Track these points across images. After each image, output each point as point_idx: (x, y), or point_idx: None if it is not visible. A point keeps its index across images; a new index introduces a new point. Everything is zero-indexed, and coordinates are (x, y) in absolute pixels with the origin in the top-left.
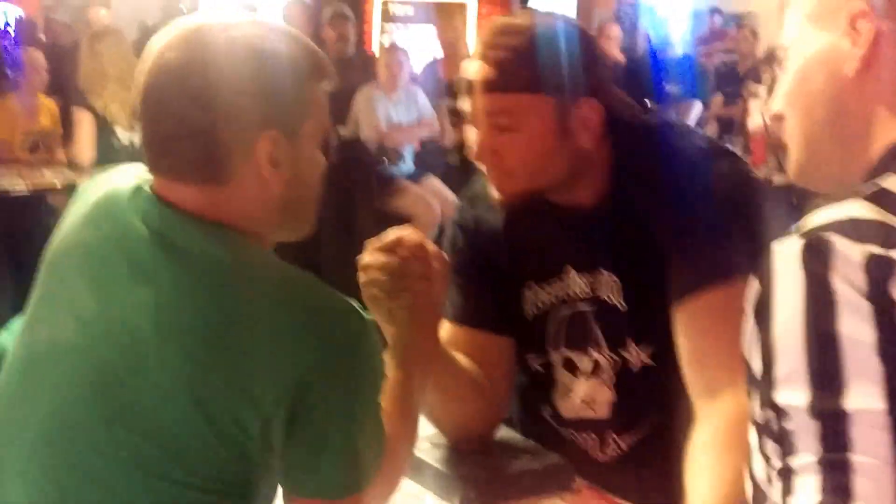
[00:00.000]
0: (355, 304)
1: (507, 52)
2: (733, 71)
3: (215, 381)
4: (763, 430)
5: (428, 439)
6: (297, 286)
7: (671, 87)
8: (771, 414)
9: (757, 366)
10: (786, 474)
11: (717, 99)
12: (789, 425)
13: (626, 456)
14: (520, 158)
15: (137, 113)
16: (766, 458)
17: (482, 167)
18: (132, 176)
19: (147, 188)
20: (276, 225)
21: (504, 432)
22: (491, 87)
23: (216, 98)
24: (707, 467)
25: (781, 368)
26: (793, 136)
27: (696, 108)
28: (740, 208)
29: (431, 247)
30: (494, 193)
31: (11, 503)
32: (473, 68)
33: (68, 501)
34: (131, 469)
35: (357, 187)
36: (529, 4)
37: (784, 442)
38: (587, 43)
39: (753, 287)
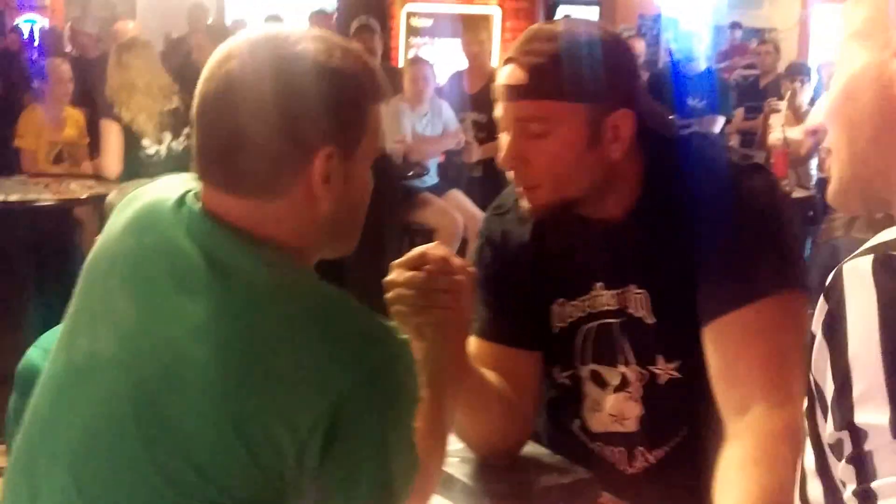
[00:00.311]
0: (393, 323)
1: (540, 58)
2: (754, 85)
3: (253, 403)
4: (835, 451)
5: (457, 454)
6: (335, 309)
7: (693, 102)
8: (845, 434)
9: (829, 387)
10: (864, 497)
11: (739, 113)
12: (869, 446)
13: (653, 469)
14: (549, 166)
15: (193, 120)
16: (830, 480)
17: (510, 174)
18: (177, 186)
19: (193, 199)
20: (322, 242)
21: (531, 447)
22: (523, 92)
23: (276, 111)
24: (736, 484)
25: (859, 387)
26: (837, 154)
27: (718, 123)
28: (771, 225)
29: (457, 260)
30: (522, 203)
31: None
32: (506, 73)
33: None
34: (165, 488)
35: (381, 200)
36: (555, 17)
37: (862, 464)
38: (622, 52)
39: (821, 308)
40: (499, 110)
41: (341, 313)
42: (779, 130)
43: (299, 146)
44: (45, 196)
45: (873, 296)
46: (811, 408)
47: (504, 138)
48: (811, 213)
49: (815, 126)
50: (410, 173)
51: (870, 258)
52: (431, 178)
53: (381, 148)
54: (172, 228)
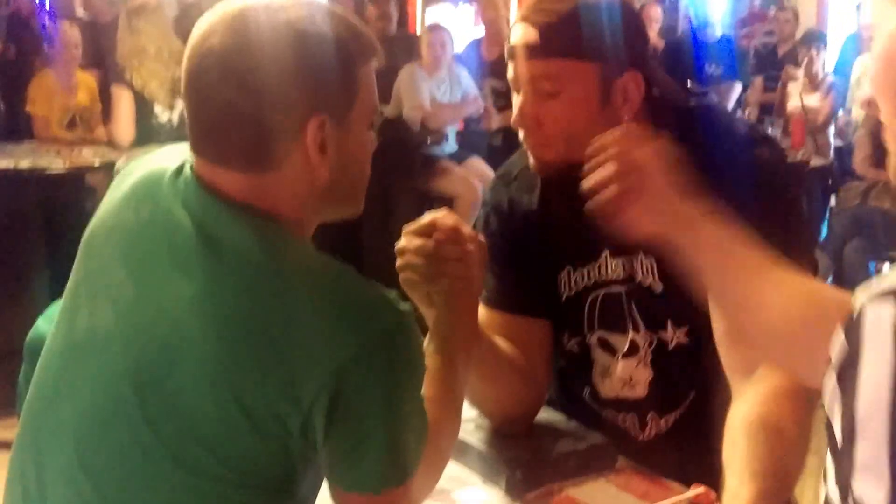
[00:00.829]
0: (393, 294)
1: (551, 17)
2: (773, 53)
3: (254, 376)
4: None
5: (472, 421)
6: (333, 279)
7: (711, 69)
8: (842, 498)
9: (838, 433)
10: None
11: (758, 81)
12: None
13: (665, 434)
14: (560, 125)
15: (182, 96)
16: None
17: (521, 133)
18: (174, 157)
19: (189, 172)
20: (322, 209)
21: (547, 414)
22: (534, 51)
23: (262, 83)
24: (744, 446)
25: (862, 450)
26: (889, 127)
27: (736, 90)
28: (777, 194)
29: (467, 229)
30: (531, 160)
31: (50, 495)
32: (518, 32)
33: (103, 494)
34: (170, 465)
35: (399, 167)
36: None
37: None
38: (632, 16)
39: (839, 342)
40: (511, 70)
41: (339, 284)
42: (796, 98)
43: (289, 117)
44: (56, 163)
45: (890, 356)
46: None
47: (516, 98)
48: (829, 181)
49: (866, 98)
50: (428, 141)
51: (893, 311)
52: (451, 146)
53: (376, 107)
54: (169, 201)
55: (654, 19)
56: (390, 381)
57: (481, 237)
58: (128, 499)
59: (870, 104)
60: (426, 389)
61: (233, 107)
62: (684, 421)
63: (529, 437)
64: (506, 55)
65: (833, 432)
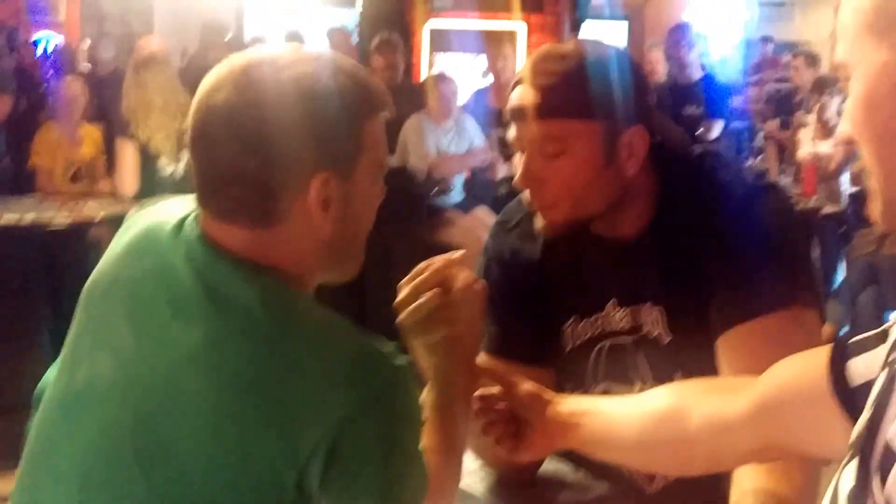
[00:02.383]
0: (391, 347)
1: (554, 78)
2: (786, 99)
3: (250, 430)
4: None
5: (477, 472)
6: (331, 334)
7: (691, 110)
8: None
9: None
10: None
11: (772, 125)
12: None
13: (673, 487)
14: (565, 185)
15: (188, 151)
16: None
17: (526, 194)
18: (178, 210)
19: (193, 224)
20: (324, 266)
21: (553, 464)
22: (538, 112)
23: (266, 142)
24: (750, 492)
25: None
26: (872, 170)
27: (717, 128)
28: (783, 242)
29: (467, 273)
30: (538, 222)
31: None
32: (520, 94)
33: None
34: None
35: (405, 217)
36: (581, 32)
37: None
38: (635, 70)
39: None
40: (512, 131)
41: (337, 338)
42: (808, 144)
43: (293, 175)
44: (59, 217)
45: None
46: (865, 464)
47: (519, 159)
48: (843, 228)
49: (843, 137)
50: (435, 190)
51: None
52: (456, 196)
53: (385, 161)
54: (171, 253)
55: (657, 61)
56: (387, 436)
57: (483, 283)
58: None
59: (847, 143)
60: (426, 440)
61: (237, 164)
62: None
63: (534, 487)
64: (507, 116)
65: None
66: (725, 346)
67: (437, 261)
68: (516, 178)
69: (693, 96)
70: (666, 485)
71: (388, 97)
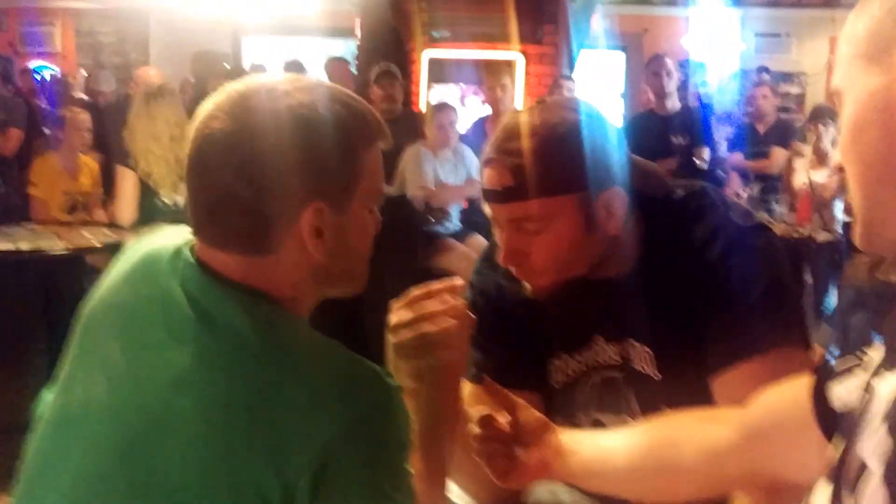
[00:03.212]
0: (382, 369)
1: (520, 158)
2: (786, 128)
3: (239, 452)
4: None
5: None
6: (322, 356)
7: (677, 140)
8: None
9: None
10: None
11: (777, 151)
12: None
13: None
14: (548, 257)
15: (184, 178)
16: None
17: (511, 269)
18: (175, 237)
19: (188, 251)
20: (320, 289)
21: (550, 484)
22: (511, 195)
23: (260, 171)
24: None
25: None
26: (854, 194)
27: (706, 154)
28: (773, 281)
29: (462, 302)
30: (525, 289)
31: None
32: (490, 176)
33: None
34: None
35: (402, 245)
36: (578, 62)
37: None
38: (602, 130)
39: (881, 440)
40: (488, 210)
41: (327, 360)
42: (803, 174)
43: (286, 205)
44: (57, 245)
45: None
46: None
47: (499, 234)
48: (836, 256)
49: (836, 164)
50: (432, 219)
51: None
52: (454, 224)
53: (380, 191)
54: (167, 279)
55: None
56: (377, 458)
57: (469, 310)
58: None
59: (840, 171)
60: (412, 465)
61: (231, 192)
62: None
63: None
64: (481, 196)
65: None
66: (720, 387)
67: (434, 285)
68: (499, 256)
69: (676, 126)
70: None
71: (384, 127)
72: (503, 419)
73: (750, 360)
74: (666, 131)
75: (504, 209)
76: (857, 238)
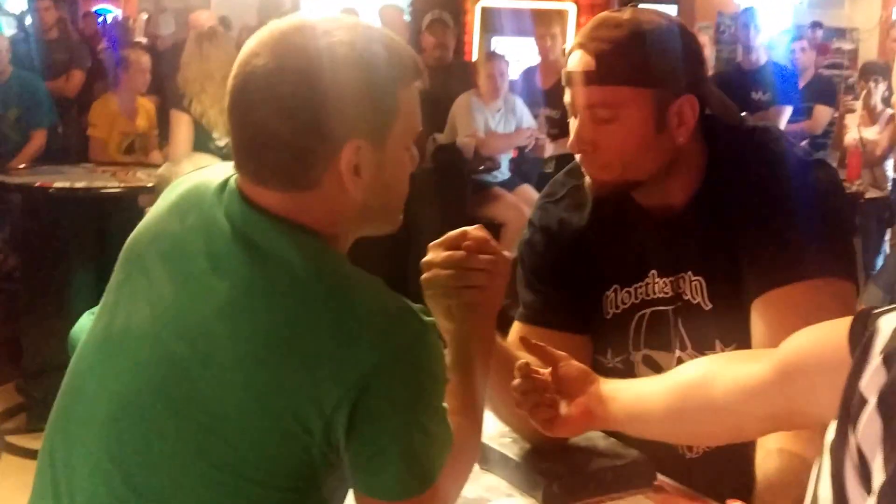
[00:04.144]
0: (418, 307)
1: (607, 45)
2: (825, 83)
3: (279, 379)
4: None
5: (509, 435)
6: (361, 290)
7: (758, 96)
8: None
9: (878, 467)
10: None
11: (822, 110)
12: None
13: (712, 453)
14: (616, 149)
15: (227, 114)
16: None
17: (578, 157)
18: (222, 172)
19: (233, 185)
20: (358, 226)
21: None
22: (591, 78)
23: (299, 109)
24: (774, 446)
25: None
26: None
27: (786, 114)
28: (825, 214)
29: (493, 243)
30: (588, 181)
31: (77, 481)
32: (575, 59)
33: (131, 484)
34: (194, 458)
35: (451, 194)
36: None
37: None
38: (688, 40)
39: (877, 371)
40: (567, 95)
41: (367, 295)
42: (854, 130)
43: (324, 141)
44: (111, 184)
45: None
46: (838, 466)
47: (573, 123)
48: (887, 213)
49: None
50: (481, 168)
51: None
52: (503, 174)
53: (417, 128)
54: (213, 210)
55: (703, 45)
56: (412, 391)
57: (507, 253)
58: (154, 489)
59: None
60: (447, 402)
61: (271, 129)
62: None
63: (567, 452)
64: (563, 80)
65: (864, 460)
66: (759, 310)
67: (470, 229)
68: (570, 141)
69: (759, 81)
70: (705, 450)
71: (421, 67)
72: (543, 372)
73: (793, 285)
74: (749, 86)
75: (583, 92)
76: None
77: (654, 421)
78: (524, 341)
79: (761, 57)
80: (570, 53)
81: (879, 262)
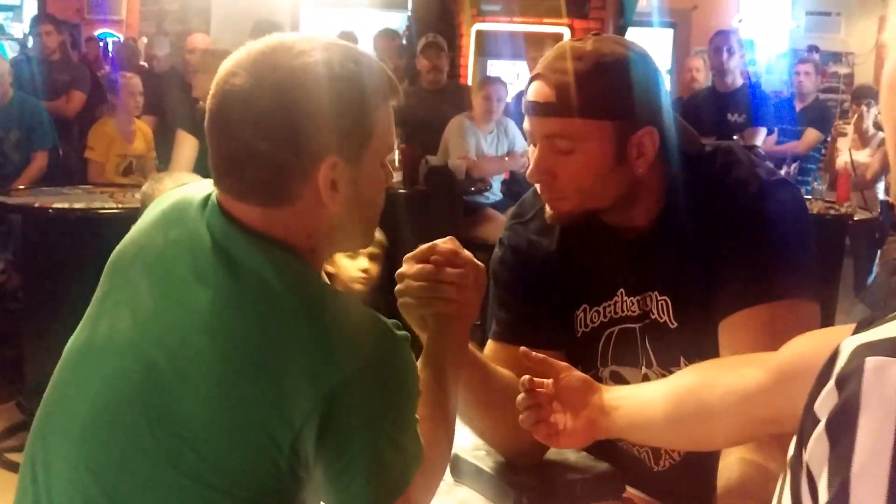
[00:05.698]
0: (391, 321)
1: (567, 77)
2: (822, 109)
3: (249, 392)
4: None
5: (483, 448)
6: (333, 305)
7: (733, 118)
8: None
9: (823, 490)
10: None
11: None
12: None
13: (679, 466)
14: (574, 180)
15: (206, 132)
16: None
17: (537, 186)
18: (205, 187)
19: (215, 199)
20: (333, 241)
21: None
22: (550, 110)
23: (278, 126)
24: (735, 456)
25: None
26: (891, 154)
27: (760, 135)
28: (789, 234)
29: (466, 253)
30: (547, 212)
31: (56, 488)
32: (534, 90)
33: (107, 492)
34: (168, 469)
35: (444, 215)
36: (626, 36)
37: None
38: (649, 70)
39: (829, 393)
40: (527, 124)
41: (338, 310)
42: (845, 153)
43: (302, 159)
44: (109, 205)
45: (893, 418)
46: (796, 482)
47: (532, 151)
48: (877, 234)
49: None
50: (473, 189)
51: None
52: (495, 195)
53: (392, 146)
54: (196, 223)
55: (697, 69)
56: (381, 405)
57: (479, 263)
58: (127, 497)
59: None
60: (418, 410)
61: (249, 146)
62: (698, 454)
63: (539, 465)
64: (522, 109)
65: (813, 480)
66: (727, 330)
67: (440, 242)
68: (528, 171)
69: (734, 104)
70: (672, 464)
71: (396, 85)
72: (546, 383)
73: (760, 306)
74: (724, 109)
75: (542, 123)
76: (893, 196)
77: (656, 428)
78: (525, 354)
79: (737, 79)
80: (530, 83)
81: (870, 282)
